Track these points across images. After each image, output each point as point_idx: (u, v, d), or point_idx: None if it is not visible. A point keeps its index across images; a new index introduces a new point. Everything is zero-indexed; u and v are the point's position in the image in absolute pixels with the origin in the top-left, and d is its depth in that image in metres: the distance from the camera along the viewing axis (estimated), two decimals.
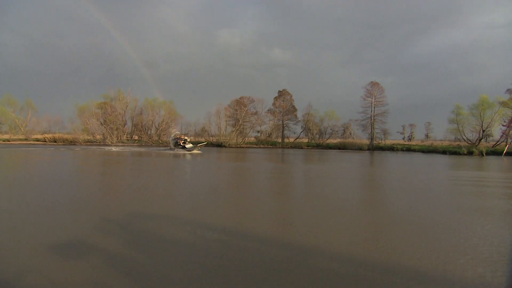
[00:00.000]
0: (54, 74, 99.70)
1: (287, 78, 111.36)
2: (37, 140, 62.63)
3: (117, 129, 58.74)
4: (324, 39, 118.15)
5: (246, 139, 59.69)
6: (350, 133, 56.53)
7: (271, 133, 62.69)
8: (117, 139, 58.30)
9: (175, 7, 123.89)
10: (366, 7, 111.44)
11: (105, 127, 58.86)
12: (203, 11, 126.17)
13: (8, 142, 59.01)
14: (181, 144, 37.45)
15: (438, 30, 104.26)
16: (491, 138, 47.84)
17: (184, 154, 34.00)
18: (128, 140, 60.94)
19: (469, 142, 47.68)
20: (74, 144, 56.22)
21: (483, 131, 45.23)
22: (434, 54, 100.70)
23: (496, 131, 45.63)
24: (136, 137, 62.17)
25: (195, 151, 37.25)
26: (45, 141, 61.33)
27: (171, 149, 39.34)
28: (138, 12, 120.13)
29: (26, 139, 62.75)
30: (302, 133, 59.44)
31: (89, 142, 58.25)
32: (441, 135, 65.11)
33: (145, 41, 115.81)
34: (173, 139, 39.51)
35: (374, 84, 50.33)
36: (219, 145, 55.52)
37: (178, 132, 44.46)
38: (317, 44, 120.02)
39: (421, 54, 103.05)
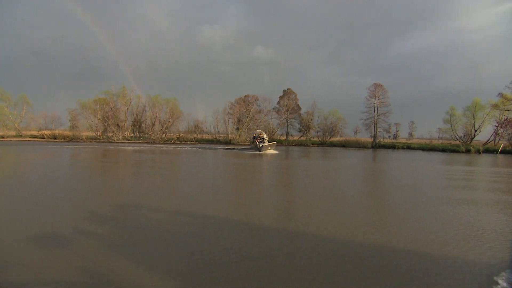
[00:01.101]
0: (23, 66, 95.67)
1: (269, 75, 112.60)
2: (34, 137, 60.18)
3: (122, 126, 57.82)
4: (306, 38, 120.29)
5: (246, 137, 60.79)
6: (355, 132, 59.57)
7: (273, 130, 64.54)
8: (122, 136, 57.47)
9: (155, 3, 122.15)
10: (347, 8, 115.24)
11: (109, 124, 57.74)
12: (184, 7, 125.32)
13: (2, 139, 56.27)
14: (257, 143, 35.94)
15: (414, 33, 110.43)
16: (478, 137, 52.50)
17: (261, 155, 31.53)
18: (132, 137, 60.18)
19: (461, 141, 51.97)
20: (78, 141, 54.76)
21: (475, 130, 49.56)
22: (410, 56, 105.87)
23: (487, 131, 50.20)
24: (142, 135, 61.54)
25: (270, 151, 35.06)
26: (43, 138, 59.14)
27: (252, 148, 37.30)
28: (117, 6, 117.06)
29: (20, 136, 60.13)
30: (306, 131, 61.45)
31: (92, 139, 56.95)
32: (422, 133, 70.37)
33: (124, 36, 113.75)
34: (252, 139, 37.82)
35: (377, 85, 53.24)
36: (227, 142, 56.34)
37: (259, 130, 41.56)
38: (299, 42, 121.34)
39: (398, 55, 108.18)
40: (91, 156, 27.72)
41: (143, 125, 62.54)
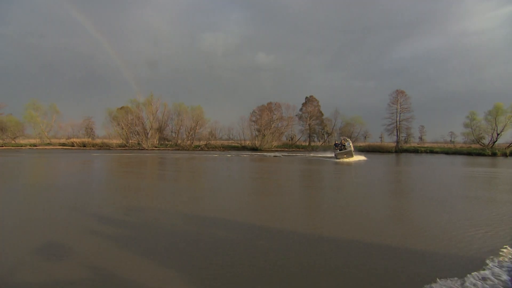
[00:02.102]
0: (30, 74, 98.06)
1: (271, 81, 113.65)
2: (64, 145, 61.97)
3: (151, 134, 59.56)
4: (307, 44, 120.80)
5: (274, 143, 62.39)
6: (381, 138, 61.29)
7: (292, 137, 66.38)
8: (151, 143, 59.14)
9: (158, 10, 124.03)
10: (348, 12, 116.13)
11: (137, 131, 59.52)
12: (186, 14, 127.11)
13: (35, 147, 58.01)
14: (337, 150, 33.74)
15: (416, 36, 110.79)
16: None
17: (339, 163, 29.06)
18: (160, 144, 61.83)
19: (482, 144, 53.45)
20: (108, 149, 56.38)
21: (498, 134, 51.08)
22: (413, 59, 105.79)
23: (508, 134, 51.70)
24: (168, 142, 63.21)
25: (354, 159, 32.20)
26: (73, 146, 60.88)
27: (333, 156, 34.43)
28: (120, 14, 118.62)
29: (49, 144, 61.88)
30: (329, 137, 63.12)
31: (121, 147, 58.61)
32: (430, 137, 70.89)
33: (127, 43, 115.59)
34: (334, 146, 35.24)
35: (399, 92, 55.12)
36: (254, 149, 57.93)
37: (343, 137, 38.47)
38: (301, 48, 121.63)
39: (401, 59, 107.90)
40: (144, 164, 28.25)
41: (169, 132, 64.40)
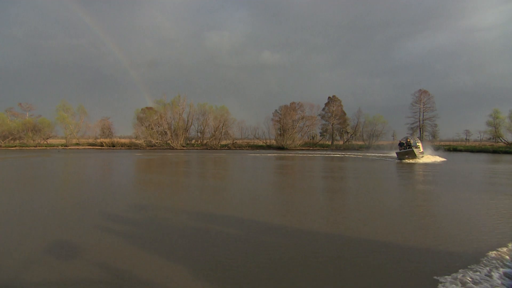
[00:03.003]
0: (38, 75, 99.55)
1: (276, 79, 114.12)
2: (93, 145, 63.64)
3: (181, 133, 61.06)
4: (313, 42, 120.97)
5: (298, 142, 63.65)
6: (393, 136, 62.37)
7: (314, 136, 67.68)
8: (180, 143, 60.65)
9: (163, 10, 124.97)
10: (353, 9, 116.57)
11: (165, 131, 61.03)
12: (191, 14, 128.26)
13: (65, 148, 59.64)
14: (401, 150, 29.77)
15: (423, 33, 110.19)
16: None
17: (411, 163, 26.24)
18: (188, 144, 63.29)
19: (506, 142, 54.49)
20: (138, 149, 57.90)
21: None
22: (420, 56, 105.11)
23: None
24: (194, 141, 64.72)
25: (423, 160, 28.77)
26: (102, 146, 62.52)
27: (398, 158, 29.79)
28: (125, 14, 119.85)
29: (78, 144, 63.54)
30: (352, 135, 64.38)
31: (149, 147, 60.13)
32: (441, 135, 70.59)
33: (133, 43, 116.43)
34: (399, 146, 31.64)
35: (422, 92, 56.28)
36: (280, 148, 59.31)
37: (408, 136, 33.28)
38: (306, 46, 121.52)
39: (408, 56, 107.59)
40: (191, 163, 28.36)
41: (194, 132, 65.90)
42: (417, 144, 30.16)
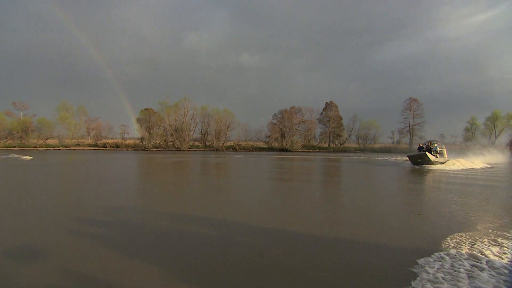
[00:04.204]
0: (4, 71, 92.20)
1: (256, 81, 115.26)
2: (95, 146, 63.00)
3: (187, 135, 62.34)
4: (291, 45, 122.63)
5: (299, 144, 67.27)
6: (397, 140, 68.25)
7: (310, 139, 71.82)
8: (187, 144, 61.95)
9: (141, 8, 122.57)
10: (331, 15, 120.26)
11: (173, 133, 62.04)
12: (170, 13, 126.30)
13: (66, 148, 58.77)
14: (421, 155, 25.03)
15: (396, 41, 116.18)
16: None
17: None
18: (191, 145, 64.62)
19: (481, 146, 61.70)
20: (145, 150, 58.43)
21: (496, 137, 59.50)
22: (393, 63, 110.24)
23: (502, 138, 60.30)
24: (198, 143, 66.18)
25: (440, 167, 24.55)
26: (105, 147, 62.15)
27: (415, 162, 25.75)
28: (100, 11, 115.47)
29: (78, 145, 62.66)
30: (347, 139, 69.23)
31: (156, 148, 60.81)
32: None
33: (108, 41, 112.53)
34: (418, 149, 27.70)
35: (412, 100, 62.32)
36: (283, 150, 62.55)
37: (435, 140, 29.09)
38: (285, 49, 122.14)
39: (381, 62, 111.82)
40: (238, 164, 29.59)
41: (197, 134, 67.38)
42: (438, 149, 26.12)
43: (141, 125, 68.77)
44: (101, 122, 68.20)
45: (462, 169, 23.70)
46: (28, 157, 31.14)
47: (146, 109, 69.24)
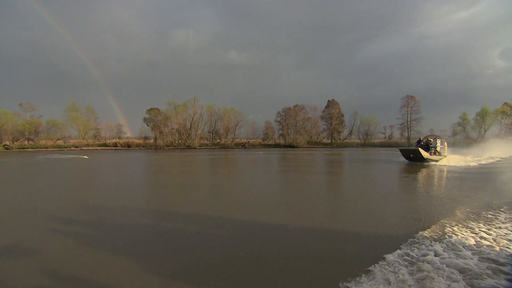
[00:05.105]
0: None
1: (244, 79, 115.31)
2: (105, 145, 63.77)
3: (198, 134, 64.16)
4: (279, 42, 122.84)
5: (304, 140, 70.30)
6: (389, 135, 72.37)
7: (319, 134, 75.28)
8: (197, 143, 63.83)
9: (126, 5, 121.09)
10: (318, 12, 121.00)
11: (183, 132, 63.69)
12: (156, 11, 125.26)
13: (76, 149, 59.42)
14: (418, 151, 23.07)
15: (382, 37, 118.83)
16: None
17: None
18: (202, 144, 66.50)
19: (471, 139, 66.73)
20: (157, 149, 59.90)
21: (485, 131, 64.60)
22: (379, 59, 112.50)
23: (491, 131, 65.47)
24: (208, 141, 68.13)
25: (436, 163, 23.01)
26: (116, 146, 63.07)
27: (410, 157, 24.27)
28: (85, 8, 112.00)
29: (88, 145, 63.30)
30: (349, 135, 73.03)
31: (167, 146, 62.33)
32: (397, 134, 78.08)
33: (93, 38, 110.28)
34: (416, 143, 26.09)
35: (410, 97, 66.52)
36: (289, 146, 65.51)
37: (435, 135, 26.97)
38: (274, 46, 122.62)
39: (368, 58, 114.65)
40: (277, 160, 30.78)
41: (205, 132, 69.29)
42: (439, 146, 24.38)
43: (147, 125, 70.45)
44: (110, 122, 68.95)
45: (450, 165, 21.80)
46: (86, 156, 33.35)
47: (152, 108, 70.57)
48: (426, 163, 22.73)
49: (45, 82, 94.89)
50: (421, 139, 26.08)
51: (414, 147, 24.70)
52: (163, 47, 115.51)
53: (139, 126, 69.26)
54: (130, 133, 71.49)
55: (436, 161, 23.63)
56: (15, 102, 77.37)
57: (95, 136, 65.79)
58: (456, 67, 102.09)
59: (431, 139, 24.83)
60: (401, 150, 25.30)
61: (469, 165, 21.94)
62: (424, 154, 22.97)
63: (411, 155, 23.98)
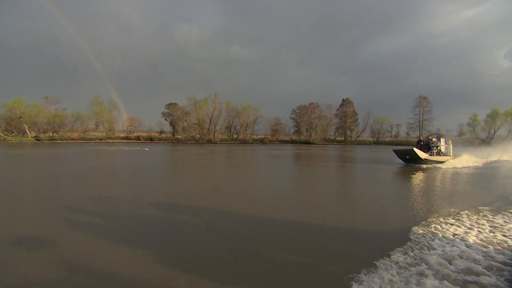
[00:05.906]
0: None
1: (246, 74, 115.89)
2: (128, 139, 65.92)
3: (218, 129, 66.43)
4: (282, 38, 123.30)
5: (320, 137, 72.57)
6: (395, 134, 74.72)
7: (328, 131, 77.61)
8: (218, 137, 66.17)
9: None
10: (321, 8, 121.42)
11: (204, 127, 65.94)
12: (159, 4, 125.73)
13: (100, 141, 61.51)
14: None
15: (387, 35, 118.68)
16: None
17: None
18: (222, 139, 68.78)
19: (481, 139, 69.07)
20: (178, 142, 62.10)
21: (495, 132, 66.94)
22: (383, 57, 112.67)
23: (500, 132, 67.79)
24: (227, 136, 70.45)
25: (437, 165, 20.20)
26: (139, 140, 65.25)
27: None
28: (88, 0, 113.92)
29: (110, 138, 65.43)
30: (362, 132, 75.51)
31: (189, 141, 64.55)
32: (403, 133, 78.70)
33: (95, 30, 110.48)
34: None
35: (422, 98, 68.85)
36: (306, 142, 67.85)
37: (438, 134, 24.26)
38: (276, 41, 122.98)
39: (371, 56, 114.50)
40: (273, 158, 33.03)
41: (222, 127, 71.54)
42: (442, 145, 21.84)
43: (165, 119, 72.90)
44: (136, 116, 70.91)
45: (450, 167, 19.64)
46: (147, 149, 36.88)
47: (170, 104, 72.78)
48: (425, 165, 20.11)
49: (47, 71, 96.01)
50: (421, 138, 22.82)
51: (408, 147, 22.35)
52: (166, 40, 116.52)
53: (142, 120, 71.68)
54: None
55: (440, 162, 20.71)
56: (17, 94, 77.71)
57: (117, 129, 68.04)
58: (460, 66, 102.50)
59: (433, 138, 21.90)
60: (395, 152, 21.92)
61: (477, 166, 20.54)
62: (421, 154, 20.04)
63: (407, 157, 21.02)
